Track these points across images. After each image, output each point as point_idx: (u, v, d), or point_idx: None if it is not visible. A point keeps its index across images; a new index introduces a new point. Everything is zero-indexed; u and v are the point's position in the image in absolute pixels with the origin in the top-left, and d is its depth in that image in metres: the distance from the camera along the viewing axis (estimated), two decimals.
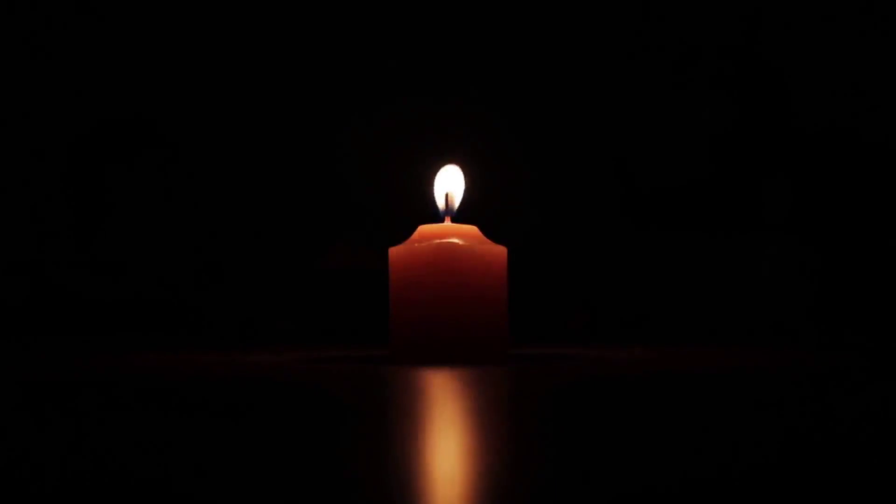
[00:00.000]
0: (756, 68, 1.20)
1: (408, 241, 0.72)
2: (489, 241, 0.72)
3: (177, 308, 1.19)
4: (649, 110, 1.20)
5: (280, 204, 1.21)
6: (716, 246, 1.18)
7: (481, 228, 0.73)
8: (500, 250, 0.72)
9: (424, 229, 0.72)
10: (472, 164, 0.76)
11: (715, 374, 0.64)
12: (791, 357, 0.78)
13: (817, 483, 0.30)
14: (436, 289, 0.69)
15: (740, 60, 1.20)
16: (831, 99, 1.19)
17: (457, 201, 0.73)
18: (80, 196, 1.21)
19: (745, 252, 1.18)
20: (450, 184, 0.74)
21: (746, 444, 0.36)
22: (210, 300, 1.19)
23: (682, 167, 1.20)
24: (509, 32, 1.21)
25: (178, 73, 1.21)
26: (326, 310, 1.18)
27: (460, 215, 0.74)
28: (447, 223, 0.72)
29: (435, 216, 0.73)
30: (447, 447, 0.37)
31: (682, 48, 1.21)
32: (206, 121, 1.21)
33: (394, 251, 0.72)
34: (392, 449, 0.36)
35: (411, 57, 1.21)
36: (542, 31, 1.21)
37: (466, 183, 0.74)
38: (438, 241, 0.70)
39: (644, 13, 1.20)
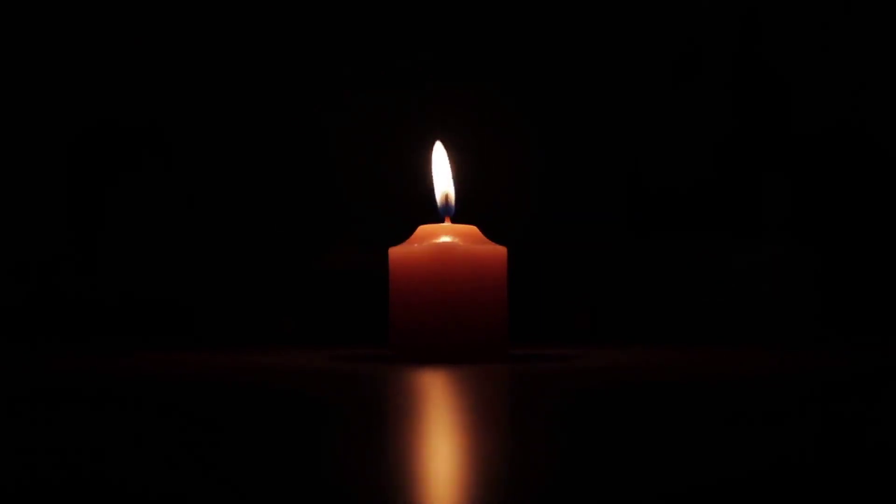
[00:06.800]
0: (756, 69, 1.20)
1: (407, 242, 0.71)
2: (489, 241, 0.72)
3: (176, 309, 1.19)
4: (651, 111, 1.20)
5: (279, 204, 1.21)
6: (717, 247, 1.18)
7: (481, 228, 0.72)
8: (500, 250, 0.71)
9: (424, 229, 0.72)
10: (473, 164, 0.76)
11: (715, 376, 0.64)
12: (793, 357, 0.78)
13: (828, 488, 0.30)
14: (436, 289, 0.69)
15: (740, 62, 1.20)
16: (831, 99, 1.19)
17: (451, 193, 0.73)
18: (80, 196, 1.21)
19: (746, 252, 1.18)
20: (445, 180, 0.74)
21: (748, 446, 0.36)
22: (209, 301, 1.19)
23: (685, 169, 1.20)
24: (510, 32, 1.21)
25: (178, 75, 1.21)
26: (326, 310, 1.17)
27: (460, 215, 0.73)
28: (447, 223, 0.72)
29: (435, 215, 0.73)
30: (446, 447, 0.37)
31: (683, 50, 1.20)
32: (205, 121, 1.21)
33: (393, 251, 0.71)
34: (391, 449, 0.35)
35: (411, 56, 1.21)
36: (544, 30, 1.21)
37: (453, 165, 0.73)
38: (438, 241, 0.70)
39: (644, 14, 1.20)
